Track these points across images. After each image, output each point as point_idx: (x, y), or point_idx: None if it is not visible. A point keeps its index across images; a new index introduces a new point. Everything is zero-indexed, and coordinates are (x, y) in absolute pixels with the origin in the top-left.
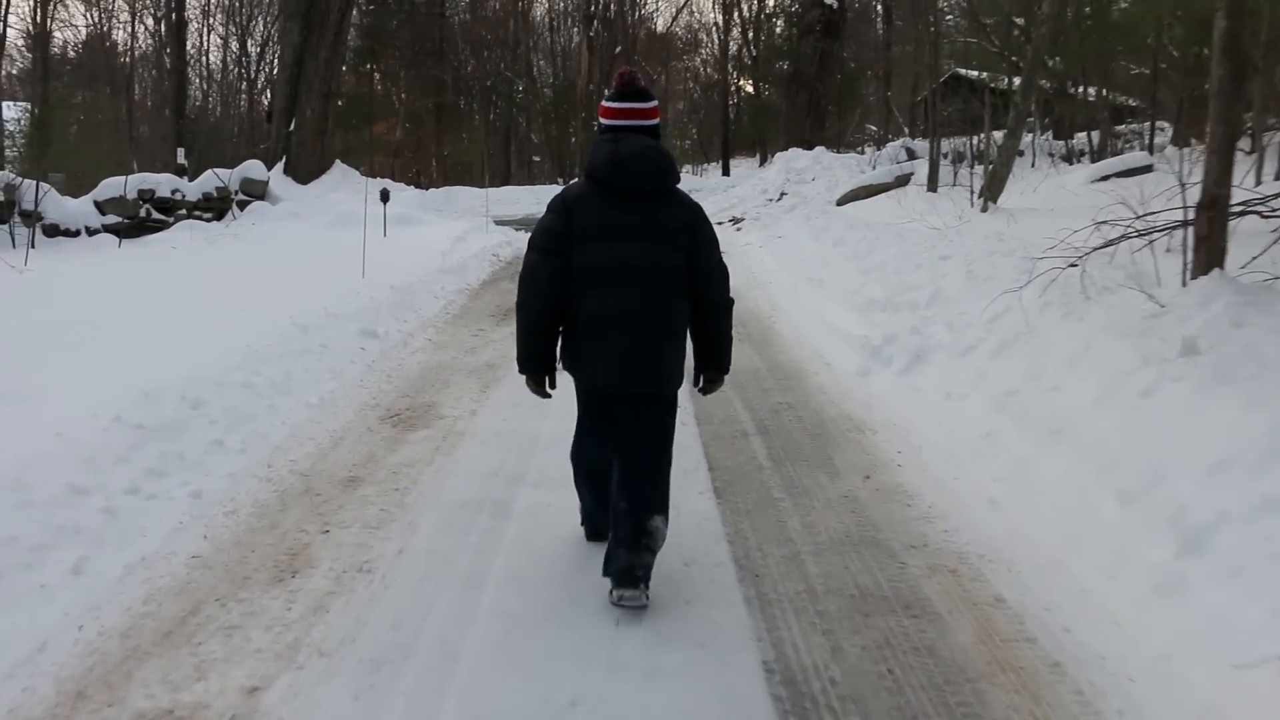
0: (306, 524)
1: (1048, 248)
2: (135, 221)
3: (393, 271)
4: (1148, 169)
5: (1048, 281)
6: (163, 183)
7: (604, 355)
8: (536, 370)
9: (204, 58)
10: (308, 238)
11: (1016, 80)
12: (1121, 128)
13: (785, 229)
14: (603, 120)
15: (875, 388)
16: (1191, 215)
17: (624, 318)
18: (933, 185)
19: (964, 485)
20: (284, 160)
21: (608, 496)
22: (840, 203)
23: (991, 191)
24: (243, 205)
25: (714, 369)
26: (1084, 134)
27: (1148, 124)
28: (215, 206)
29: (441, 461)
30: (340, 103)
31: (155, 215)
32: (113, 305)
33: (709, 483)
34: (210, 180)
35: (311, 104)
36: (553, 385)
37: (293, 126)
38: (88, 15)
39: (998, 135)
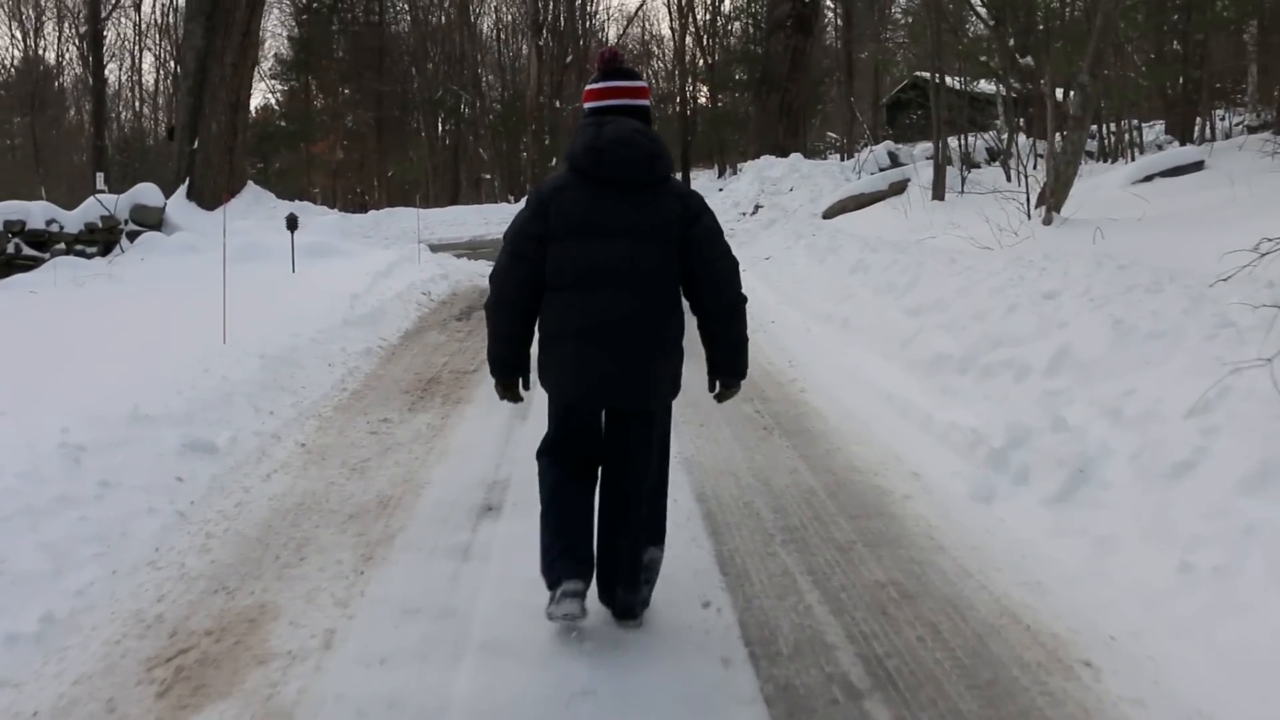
0: None
1: (1217, 278)
2: (1, 259)
3: (276, 327)
4: (1198, 166)
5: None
6: (35, 212)
7: (581, 367)
8: (505, 374)
9: (137, 79)
10: (196, 276)
11: (983, 83)
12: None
13: (771, 248)
14: (587, 105)
15: (1021, 532)
16: None
17: (605, 325)
18: (939, 192)
19: None
20: (188, 183)
21: (575, 537)
22: (828, 215)
23: (1056, 199)
24: (134, 236)
25: (729, 374)
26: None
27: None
28: (101, 239)
29: None
30: (282, 122)
31: (26, 251)
32: None
33: None
34: (93, 209)
35: (217, 116)
36: (526, 386)
37: (196, 144)
38: (13, 35)
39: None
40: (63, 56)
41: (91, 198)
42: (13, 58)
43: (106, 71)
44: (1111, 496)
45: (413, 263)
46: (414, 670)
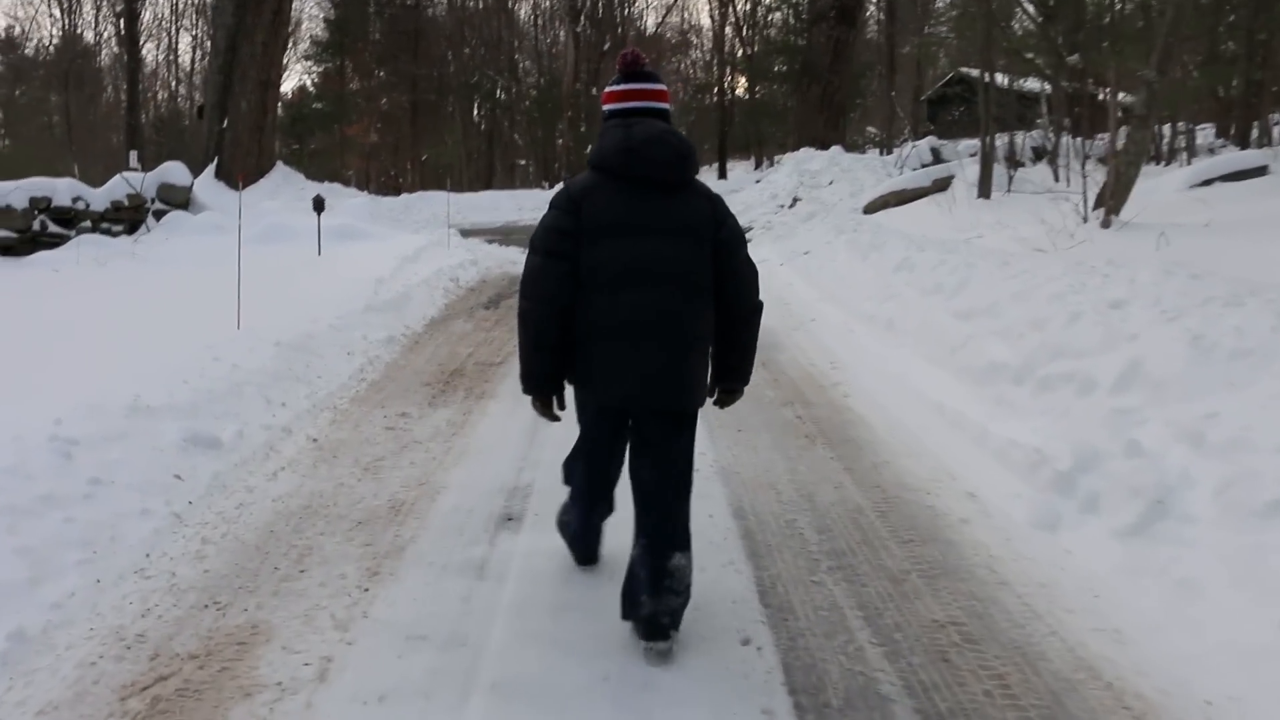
0: None
1: None
2: (27, 236)
3: (296, 313)
4: (1261, 171)
5: None
6: (61, 190)
7: (620, 367)
8: (542, 390)
9: (173, 59)
10: (219, 257)
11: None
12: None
13: (810, 242)
14: (608, 107)
15: (1092, 568)
16: None
17: (643, 325)
18: (985, 190)
19: None
20: (216, 162)
21: (598, 518)
22: (869, 210)
23: (1115, 201)
24: (160, 215)
25: (735, 379)
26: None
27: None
28: (127, 217)
29: None
30: (318, 104)
31: (52, 229)
32: None
33: None
34: (120, 187)
35: (247, 96)
36: (561, 406)
37: (225, 123)
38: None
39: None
40: (100, 35)
41: (118, 176)
42: (51, 36)
43: (144, 52)
44: (1195, 533)
45: (442, 248)
46: (415, 710)
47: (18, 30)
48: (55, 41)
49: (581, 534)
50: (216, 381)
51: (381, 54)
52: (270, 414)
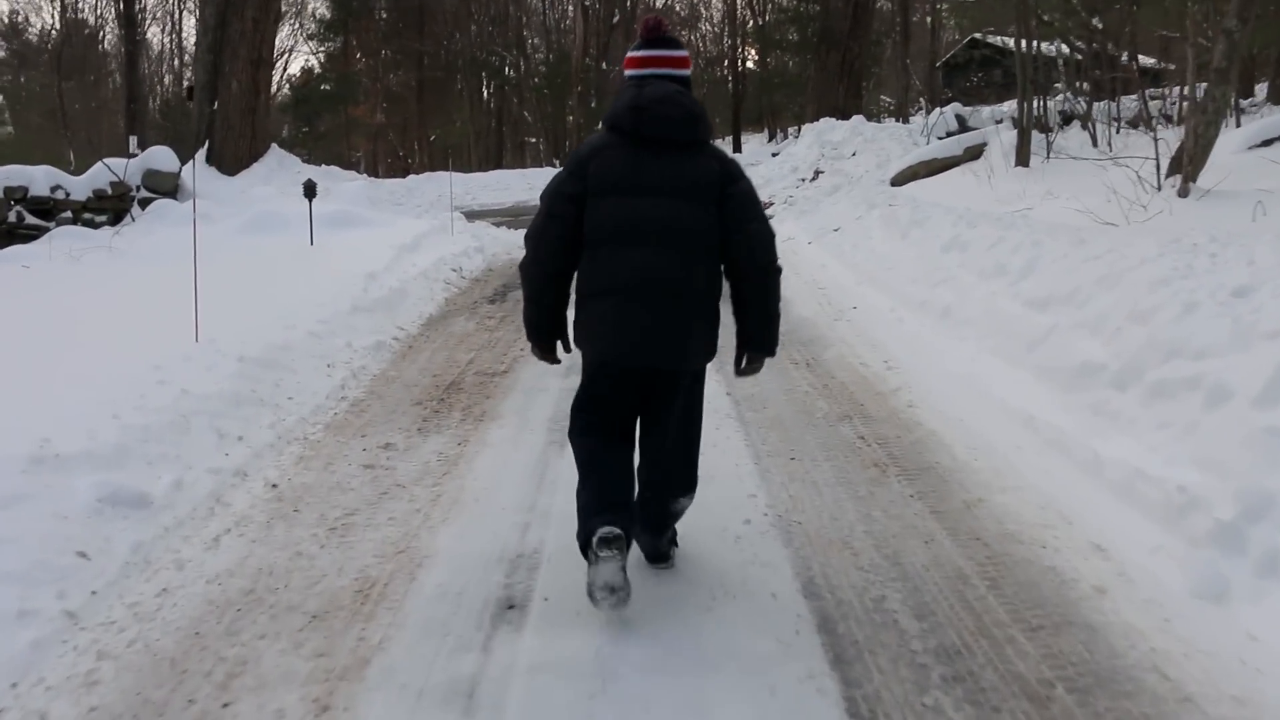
0: None
1: None
2: (1, 229)
3: (270, 317)
4: None
5: None
6: (38, 178)
7: (617, 325)
8: (542, 339)
9: (178, 42)
10: (205, 250)
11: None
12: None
13: (839, 217)
14: (628, 72)
15: None
16: None
17: (637, 284)
18: (1023, 158)
19: None
20: (206, 146)
21: (614, 495)
22: (896, 182)
23: (1194, 166)
24: (146, 204)
25: (758, 348)
26: (1128, 97)
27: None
28: (110, 207)
29: None
30: (325, 86)
31: (30, 220)
32: None
33: None
34: (102, 174)
35: (238, 74)
36: (567, 349)
37: (215, 105)
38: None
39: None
40: (101, 19)
41: (99, 163)
42: (52, 19)
43: (148, 35)
44: None
45: (445, 234)
46: None
47: (20, 17)
48: (54, 28)
49: (591, 512)
50: (156, 414)
51: (386, 31)
52: (222, 453)
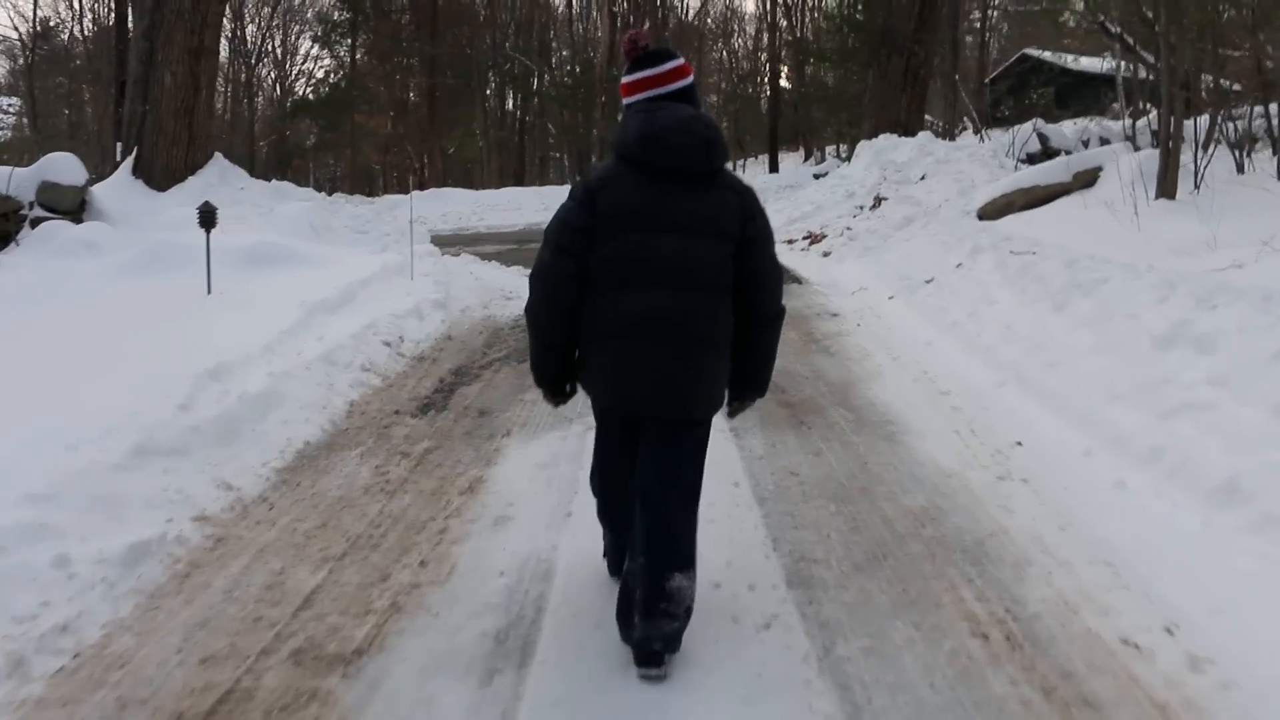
0: None
1: None
2: None
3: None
4: None
5: None
6: None
7: (626, 370)
8: (554, 384)
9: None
10: (73, 294)
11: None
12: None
13: (923, 259)
14: (626, 100)
15: None
16: None
17: (645, 326)
18: (1168, 189)
19: None
20: (135, 154)
21: (626, 526)
22: (986, 214)
23: None
24: (38, 224)
25: (751, 390)
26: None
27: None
28: None
29: None
30: (326, 88)
31: None
32: None
33: None
34: None
35: (171, 66)
36: (572, 391)
37: (147, 104)
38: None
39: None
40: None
41: None
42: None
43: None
44: None
45: (401, 276)
46: None
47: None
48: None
49: (612, 546)
50: None
51: (396, 33)
52: None
